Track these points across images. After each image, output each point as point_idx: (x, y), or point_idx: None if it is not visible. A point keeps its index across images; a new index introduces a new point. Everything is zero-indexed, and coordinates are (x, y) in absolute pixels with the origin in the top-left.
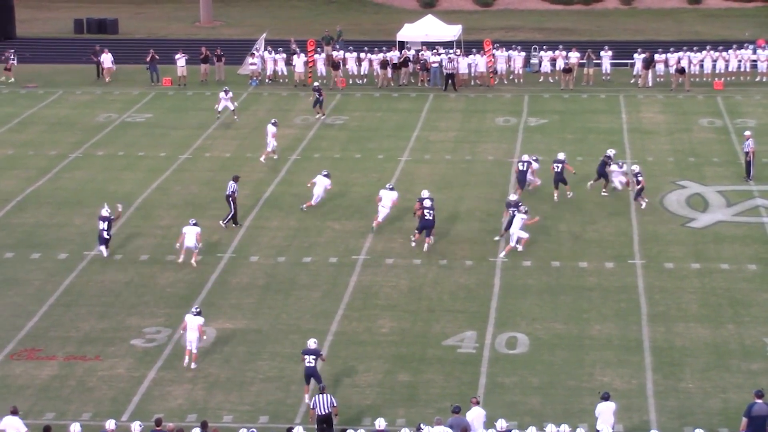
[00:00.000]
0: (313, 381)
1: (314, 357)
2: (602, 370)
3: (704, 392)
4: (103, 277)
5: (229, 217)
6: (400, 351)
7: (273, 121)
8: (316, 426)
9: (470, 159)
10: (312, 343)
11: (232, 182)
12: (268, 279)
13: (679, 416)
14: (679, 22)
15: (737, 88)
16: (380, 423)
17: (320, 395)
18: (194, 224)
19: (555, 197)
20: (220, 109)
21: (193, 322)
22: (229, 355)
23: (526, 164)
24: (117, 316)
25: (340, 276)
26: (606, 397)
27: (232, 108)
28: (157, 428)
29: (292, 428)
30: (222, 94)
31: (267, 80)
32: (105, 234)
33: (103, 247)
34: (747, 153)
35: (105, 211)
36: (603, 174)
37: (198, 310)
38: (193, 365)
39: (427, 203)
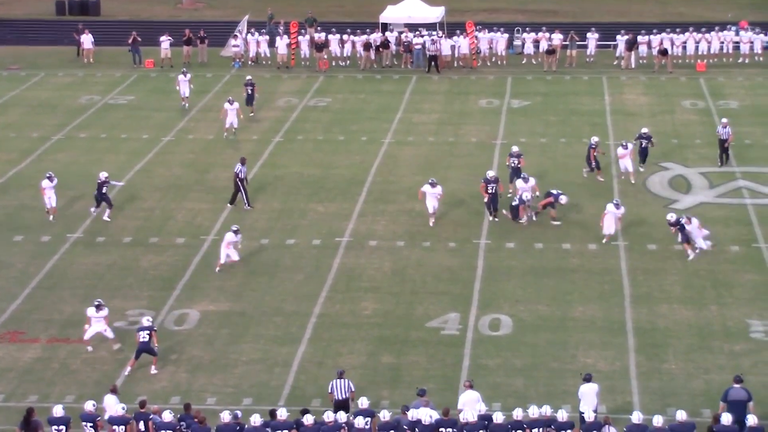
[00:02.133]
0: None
1: (148, 333)
2: (585, 351)
3: (687, 373)
4: (85, 259)
5: (239, 198)
6: (383, 333)
7: (229, 98)
8: (333, 410)
9: (453, 141)
10: (146, 321)
11: (239, 164)
12: (251, 261)
13: (662, 397)
14: (663, 3)
15: (720, 69)
16: (362, 402)
17: (338, 380)
18: (235, 231)
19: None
20: (182, 94)
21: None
22: (212, 338)
23: (515, 160)
24: (100, 299)
25: (323, 258)
26: (588, 379)
27: (187, 94)
28: (141, 410)
29: (276, 410)
30: (181, 76)
31: (250, 62)
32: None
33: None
34: (725, 140)
35: (103, 175)
36: (589, 161)
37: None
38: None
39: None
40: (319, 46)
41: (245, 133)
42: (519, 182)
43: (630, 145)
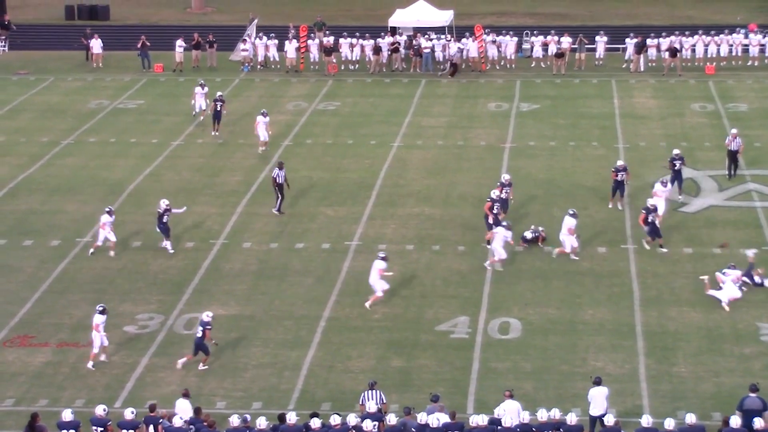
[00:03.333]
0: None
1: (202, 329)
2: (595, 354)
3: (697, 376)
4: (95, 263)
5: (279, 204)
6: (392, 336)
7: (262, 111)
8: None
9: (462, 144)
10: (205, 316)
11: (277, 169)
12: (260, 265)
13: (672, 400)
14: (672, 6)
15: (729, 72)
16: (370, 406)
17: (369, 391)
18: (382, 258)
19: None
20: (197, 108)
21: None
22: (222, 342)
23: (507, 189)
24: (110, 303)
25: (332, 262)
26: (598, 382)
27: (203, 107)
28: (151, 414)
29: (285, 414)
30: (198, 89)
31: (259, 66)
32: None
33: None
34: (736, 151)
35: (164, 203)
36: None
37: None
38: None
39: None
40: (329, 50)
41: (254, 137)
42: (500, 230)
43: (669, 184)
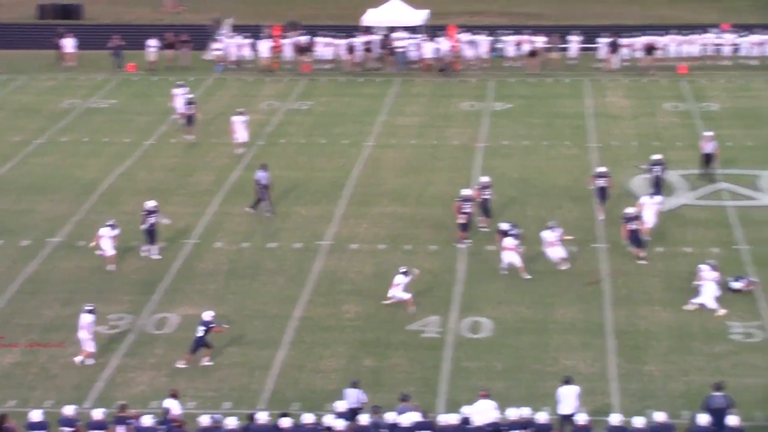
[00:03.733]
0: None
1: (204, 328)
2: (566, 353)
3: (667, 375)
4: (67, 264)
5: (256, 203)
6: (364, 336)
7: (238, 111)
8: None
9: (436, 144)
10: (206, 315)
11: (260, 171)
12: (232, 265)
13: (642, 399)
14: (644, 6)
15: (701, 72)
16: (342, 405)
17: (350, 389)
18: (403, 272)
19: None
20: (178, 109)
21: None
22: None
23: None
24: (81, 303)
25: (305, 261)
26: (568, 381)
27: (182, 110)
28: (121, 414)
29: (254, 414)
30: (177, 90)
31: (232, 66)
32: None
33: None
34: (711, 154)
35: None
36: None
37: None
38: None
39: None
40: (302, 50)
41: (227, 137)
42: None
43: (659, 197)
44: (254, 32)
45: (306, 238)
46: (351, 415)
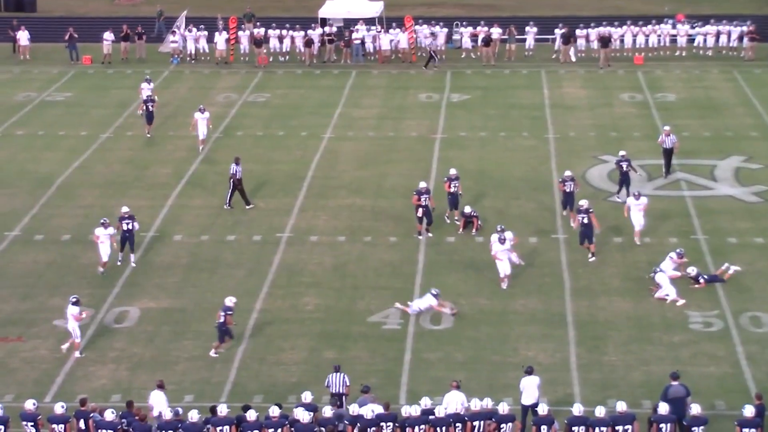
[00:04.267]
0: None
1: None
2: (526, 344)
3: (627, 365)
4: (24, 257)
5: (229, 197)
6: (325, 328)
7: (200, 107)
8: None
9: (393, 135)
10: (228, 301)
11: (233, 165)
12: (191, 258)
13: (602, 389)
14: None
15: (657, 62)
16: (306, 396)
17: (335, 374)
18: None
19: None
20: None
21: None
22: (153, 335)
23: (454, 183)
24: (39, 297)
25: (264, 254)
26: (530, 372)
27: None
28: (82, 408)
29: (216, 406)
30: (144, 84)
31: (189, 59)
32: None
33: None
34: (670, 149)
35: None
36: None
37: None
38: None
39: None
40: (259, 42)
41: (184, 129)
42: (495, 245)
43: (643, 197)
44: (210, 24)
45: (265, 231)
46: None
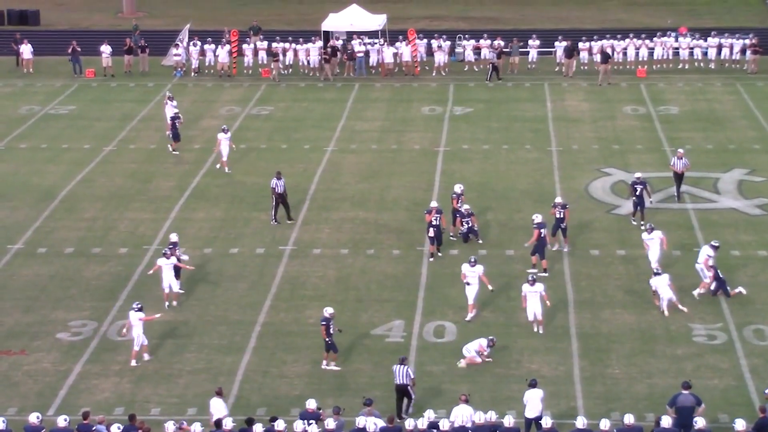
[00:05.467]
0: None
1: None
2: (530, 357)
3: (630, 378)
4: (27, 270)
5: (274, 212)
6: None
7: (223, 128)
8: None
9: (396, 148)
10: (326, 312)
11: (275, 179)
12: (194, 271)
13: (606, 402)
14: (603, 10)
15: (660, 75)
16: (310, 403)
17: (399, 366)
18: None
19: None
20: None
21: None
22: (156, 348)
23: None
24: (42, 310)
25: (267, 267)
26: (533, 384)
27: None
28: (85, 422)
29: (221, 419)
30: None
31: (193, 73)
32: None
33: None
34: (680, 173)
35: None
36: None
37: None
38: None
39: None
40: (274, 54)
41: (188, 143)
42: (465, 266)
43: (656, 230)
44: (213, 38)
45: (268, 244)
46: (401, 391)
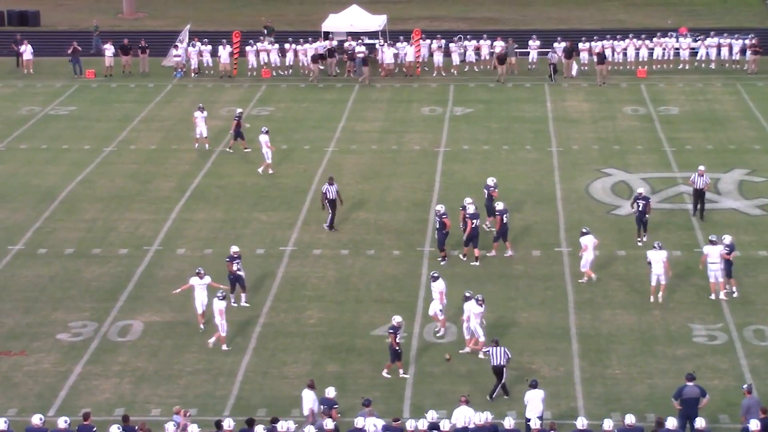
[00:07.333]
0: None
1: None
2: (530, 357)
3: (630, 378)
4: (27, 271)
5: (330, 219)
6: (328, 342)
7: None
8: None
9: (396, 149)
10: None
11: (327, 185)
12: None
13: (606, 402)
14: (603, 10)
15: (660, 75)
16: (329, 392)
17: (495, 347)
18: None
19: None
20: (198, 134)
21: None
22: (156, 349)
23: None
24: (42, 311)
25: (267, 267)
26: (534, 385)
27: (204, 134)
28: (85, 423)
29: (221, 420)
30: (198, 113)
31: (193, 73)
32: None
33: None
34: (701, 190)
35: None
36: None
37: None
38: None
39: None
40: (316, 57)
41: (187, 143)
42: (469, 304)
43: (662, 248)
44: (213, 39)
45: (268, 244)
46: (498, 372)
